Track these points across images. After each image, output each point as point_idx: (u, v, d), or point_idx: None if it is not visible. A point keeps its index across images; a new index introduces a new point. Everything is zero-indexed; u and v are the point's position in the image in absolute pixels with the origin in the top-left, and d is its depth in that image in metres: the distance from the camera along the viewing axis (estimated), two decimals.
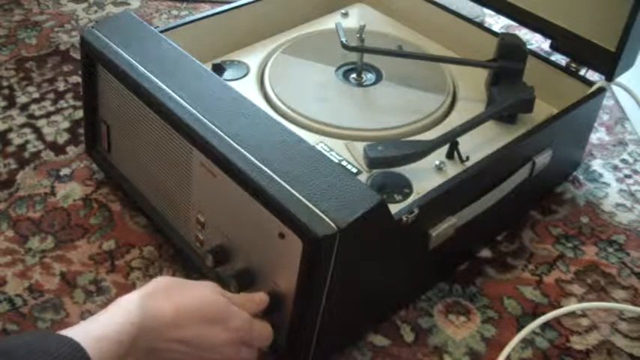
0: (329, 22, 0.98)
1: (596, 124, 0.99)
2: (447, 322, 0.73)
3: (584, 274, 0.79)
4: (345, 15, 1.00)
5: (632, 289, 0.78)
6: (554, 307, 0.75)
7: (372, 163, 0.71)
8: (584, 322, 0.74)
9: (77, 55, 1.12)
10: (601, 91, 0.82)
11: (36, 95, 1.03)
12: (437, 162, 0.74)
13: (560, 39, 0.87)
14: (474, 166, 0.71)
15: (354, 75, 0.86)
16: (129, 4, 1.27)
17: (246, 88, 0.84)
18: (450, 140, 0.74)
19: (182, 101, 0.69)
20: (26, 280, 0.76)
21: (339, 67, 0.87)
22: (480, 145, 0.77)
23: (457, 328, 0.73)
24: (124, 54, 0.75)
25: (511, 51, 0.81)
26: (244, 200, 0.62)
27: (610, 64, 0.81)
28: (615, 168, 0.94)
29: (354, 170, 0.73)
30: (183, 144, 0.69)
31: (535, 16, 0.89)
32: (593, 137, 0.99)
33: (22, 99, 1.02)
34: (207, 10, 1.01)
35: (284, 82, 0.84)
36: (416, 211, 0.64)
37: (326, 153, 0.74)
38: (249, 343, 0.59)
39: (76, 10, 1.24)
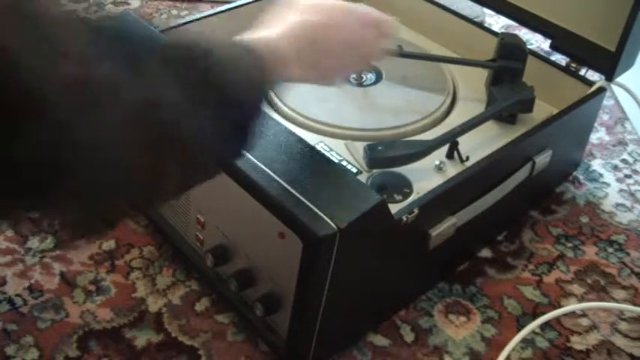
0: None
1: (596, 124, 0.99)
2: (447, 322, 0.73)
3: (584, 274, 0.79)
4: None
5: (632, 289, 0.78)
6: (554, 307, 0.75)
7: (372, 162, 0.71)
8: (584, 322, 0.74)
9: None
10: (601, 91, 0.82)
11: None
12: (437, 162, 0.74)
13: (560, 39, 0.87)
14: (474, 166, 0.71)
15: (354, 75, 0.86)
16: (129, 4, 1.27)
17: None
18: (450, 140, 0.74)
19: None
20: (26, 279, 0.76)
21: None
22: (480, 145, 0.77)
23: (457, 328, 0.73)
24: None
25: (511, 51, 0.81)
26: (244, 200, 0.62)
27: (610, 64, 0.81)
28: (615, 168, 0.94)
29: (354, 170, 0.73)
30: None
31: (535, 16, 0.89)
32: (593, 137, 0.99)
33: None
34: (207, 10, 1.01)
35: None
36: (416, 211, 0.64)
37: (326, 153, 0.74)
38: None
39: (76, 11, 1.24)
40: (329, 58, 0.64)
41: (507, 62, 0.81)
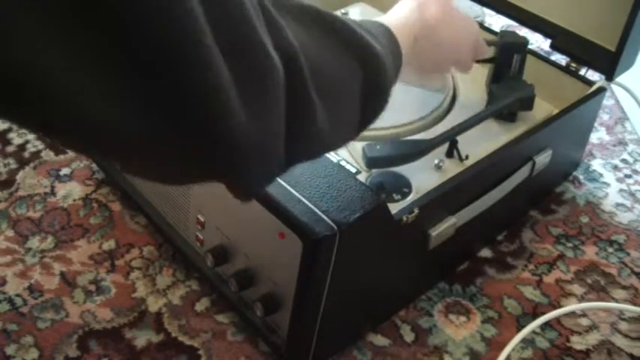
0: None
1: (596, 124, 0.99)
2: (447, 322, 0.73)
3: (584, 274, 0.79)
4: (345, 14, 1.00)
5: (632, 289, 0.78)
6: (554, 307, 0.75)
7: (371, 162, 0.71)
8: (584, 322, 0.74)
9: None
10: (601, 90, 0.82)
11: None
12: (436, 161, 0.73)
13: (560, 39, 0.87)
14: (474, 166, 0.71)
15: None
16: None
17: None
18: (450, 139, 0.74)
19: None
20: (26, 280, 0.76)
21: None
22: (480, 143, 0.77)
23: (457, 328, 0.73)
24: None
25: (510, 47, 0.81)
26: None
27: (610, 64, 0.81)
28: (615, 168, 0.94)
29: (354, 170, 0.72)
30: None
31: (535, 16, 0.89)
32: (593, 137, 0.99)
33: None
34: None
35: None
36: (416, 211, 0.64)
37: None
38: (477, 50, 0.74)
39: None
40: (429, 55, 0.66)
41: (511, 37, 0.81)
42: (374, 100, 0.54)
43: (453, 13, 0.68)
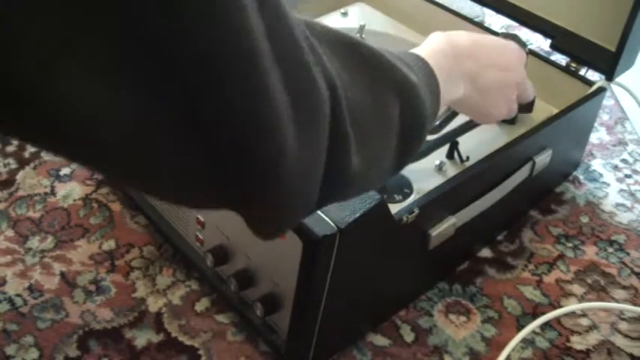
0: (328, 22, 0.98)
1: (596, 124, 0.99)
2: (447, 322, 0.73)
3: (584, 274, 0.79)
4: (345, 14, 1.00)
5: (632, 289, 0.78)
6: (554, 307, 0.75)
7: None
8: (584, 322, 0.74)
9: None
10: (601, 90, 0.82)
11: None
12: (437, 162, 0.74)
13: (560, 39, 0.87)
14: (474, 166, 0.71)
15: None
16: None
17: None
18: (450, 140, 0.74)
19: None
20: (26, 279, 0.76)
21: None
22: (480, 145, 0.77)
23: (457, 328, 0.73)
24: None
25: None
26: None
27: (610, 64, 0.81)
28: (615, 168, 0.94)
29: None
30: None
31: (535, 16, 0.89)
32: (593, 137, 0.99)
33: None
34: None
35: None
36: (416, 211, 0.64)
37: None
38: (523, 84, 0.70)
39: None
40: (480, 77, 0.62)
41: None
42: (411, 135, 0.50)
43: (483, 41, 0.64)
